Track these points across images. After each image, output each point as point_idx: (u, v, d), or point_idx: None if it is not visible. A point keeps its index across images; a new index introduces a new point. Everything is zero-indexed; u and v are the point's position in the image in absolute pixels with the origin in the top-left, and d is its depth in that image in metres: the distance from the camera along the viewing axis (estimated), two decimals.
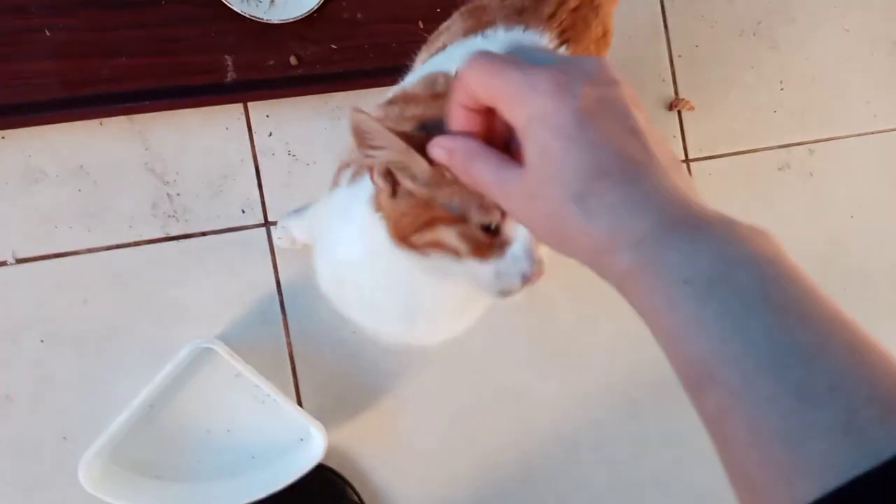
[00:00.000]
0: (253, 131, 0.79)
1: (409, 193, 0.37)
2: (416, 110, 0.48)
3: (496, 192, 0.29)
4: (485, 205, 0.36)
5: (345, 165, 0.52)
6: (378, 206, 0.41)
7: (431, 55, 0.60)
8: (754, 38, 0.95)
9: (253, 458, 0.73)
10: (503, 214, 0.37)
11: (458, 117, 0.31)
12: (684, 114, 0.92)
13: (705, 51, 0.93)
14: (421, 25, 0.80)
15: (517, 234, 0.38)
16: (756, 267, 0.23)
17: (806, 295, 0.22)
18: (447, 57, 0.56)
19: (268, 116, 0.79)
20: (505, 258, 0.38)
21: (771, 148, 0.94)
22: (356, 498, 0.76)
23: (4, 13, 0.73)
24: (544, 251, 0.39)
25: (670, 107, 0.91)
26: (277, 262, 0.78)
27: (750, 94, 0.94)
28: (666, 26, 0.92)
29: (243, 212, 0.78)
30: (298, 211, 0.75)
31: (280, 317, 0.77)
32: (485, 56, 0.28)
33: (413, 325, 0.48)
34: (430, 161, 0.34)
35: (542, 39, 0.55)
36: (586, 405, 0.86)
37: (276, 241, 0.77)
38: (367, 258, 0.45)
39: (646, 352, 0.86)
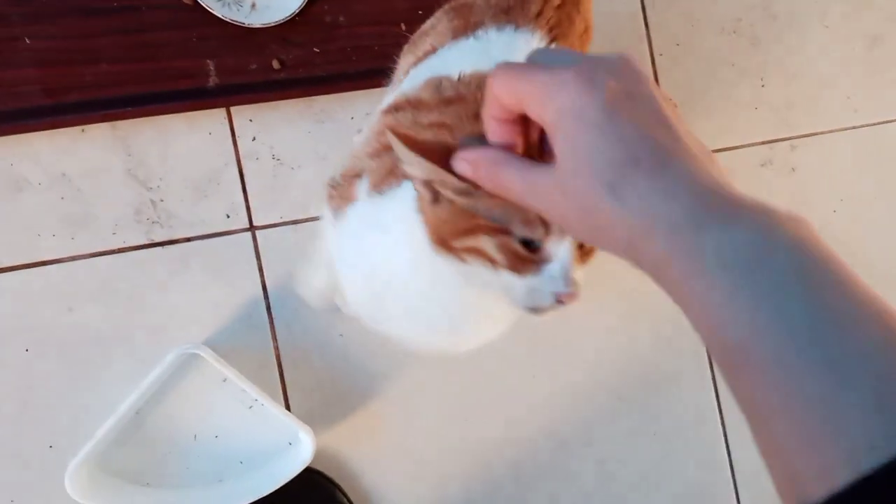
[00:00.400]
0: (236, 136, 0.79)
1: (451, 201, 0.37)
2: (431, 117, 0.48)
3: (526, 193, 0.29)
4: (528, 220, 0.36)
5: (354, 176, 0.50)
6: (420, 209, 0.40)
7: (420, 58, 0.59)
8: (734, 35, 0.96)
9: (241, 463, 0.73)
10: (547, 231, 0.36)
11: (492, 130, 0.31)
12: None
13: (686, 49, 0.94)
14: (403, 28, 0.80)
15: (557, 254, 0.37)
16: (793, 251, 0.23)
17: (842, 278, 0.22)
18: (442, 60, 0.56)
19: (251, 121, 0.79)
20: (541, 275, 0.37)
21: (753, 144, 0.95)
22: (346, 500, 0.76)
23: None
24: (581, 275, 0.38)
25: None
26: (263, 266, 0.78)
27: (731, 91, 0.95)
28: (647, 25, 0.93)
29: (228, 216, 0.77)
30: (305, 260, 0.73)
31: (267, 321, 0.77)
32: (508, 63, 0.29)
33: (459, 330, 0.48)
34: (463, 179, 0.34)
35: (534, 38, 0.55)
36: (575, 403, 0.86)
37: (312, 304, 0.74)
38: (412, 263, 0.43)
39: (635, 349, 0.87)
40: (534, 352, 0.85)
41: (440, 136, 0.46)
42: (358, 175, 0.50)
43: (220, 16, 0.75)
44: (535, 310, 0.39)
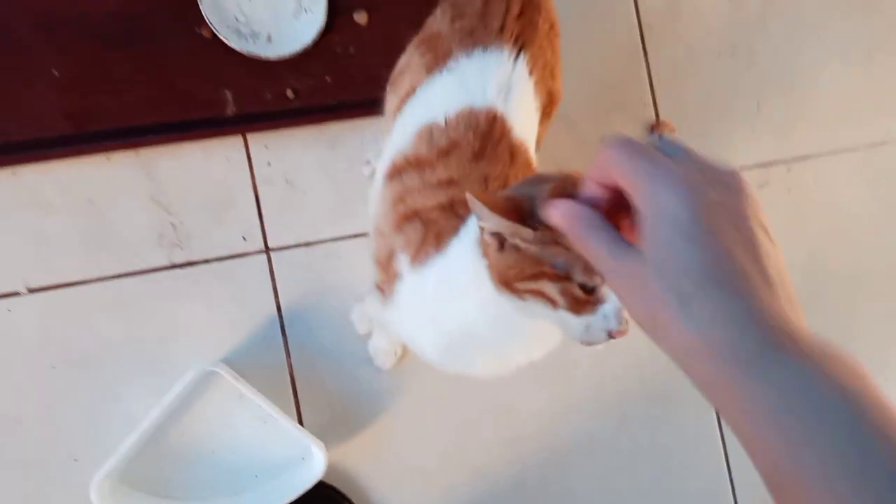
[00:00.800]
0: (252, 161, 0.82)
1: (516, 248, 0.41)
2: (436, 174, 0.52)
3: (605, 266, 0.30)
4: (588, 268, 0.39)
5: (388, 257, 0.54)
6: (484, 254, 0.44)
7: (402, 98, 0.62)
8: (731, 59, 0.99)
9: (256, 476, 0.76)
10: (602, 278, 0.40)
11: (589, 188, 0.33)
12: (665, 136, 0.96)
13: (683, 73, 0.97)
14: None
15: (611, 295, 0.41)
16: (845, 396, 0.24)
17: (891, 425, 0.24)
18: (424, 104, 0.58)
19: (266, 147, 0.83)
20: (596, 315, 0.41)
21: (750, 167, 0.98)
22: None
23: (13, 54, 0.77)
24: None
25: (651, 129, 0.95)
26: (278, 286, 0.81)
27: (728, 114, 0.98)
28: (645, 51, 0.96)
29: (244, 239, 0.81)
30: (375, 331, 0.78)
31: (281, 339, 0.80)
32: (626, 143, 0.30)
33: (528, 351, 0.52)
34: (534, 227, 0.38)
35: (502, 54, 0.57)
36: (577, 418, 0.88)
37: (383, 365, 0.80)
38: (479, 310, 0.47)
39: (635, 365, 0.89)
40: (536, 369, 0.87)
41: (454, 193, 0.51)
42: (391, 254, 0.53)
43: (237, 49, 0.79)
44: (589, 342, 0.43)
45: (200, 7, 0.79)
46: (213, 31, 0.79)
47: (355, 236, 0.83)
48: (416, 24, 0.67)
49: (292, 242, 0.82)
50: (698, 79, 0.98)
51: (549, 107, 0.63)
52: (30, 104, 0.77)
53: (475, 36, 0.58)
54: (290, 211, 0.82)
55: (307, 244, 0.82)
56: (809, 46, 1.01)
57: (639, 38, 0.96)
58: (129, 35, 0.80)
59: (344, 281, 0.81)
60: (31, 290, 0.75)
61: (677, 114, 0.95)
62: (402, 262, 0.52)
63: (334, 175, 0.84)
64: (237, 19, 0.81)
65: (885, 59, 1.04)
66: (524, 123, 0.57)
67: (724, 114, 0.98)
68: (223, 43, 0.79)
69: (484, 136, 0.54)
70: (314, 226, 0.82)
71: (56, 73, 0.78)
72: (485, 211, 0.39)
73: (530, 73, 0.59)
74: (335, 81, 0.83)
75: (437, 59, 0.59)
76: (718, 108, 0.98)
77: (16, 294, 0.75)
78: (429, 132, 0.54)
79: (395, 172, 0.56)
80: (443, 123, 0.54)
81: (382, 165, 0.60)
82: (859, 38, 1.03)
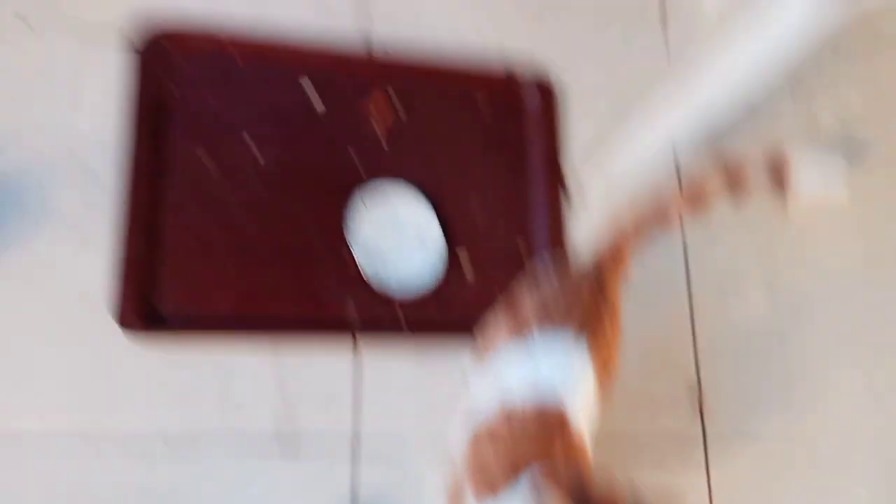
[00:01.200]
0: (359, 363, 1.01)
1: None
2: (504, 451, 0.64)
3: None
4: None
5: (457, 488, 0.66)
6: None
7: (487, 351, 0.75)
8: (765, 342, 1.15)
9: None
10: None
11: None
12: (703, 400, 1.10)
13: (726, 345, 1.13)
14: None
15: None
16: None
17: None
18: (502, 366, 0.71)
19: (372, 352, 1.01)
20: None
21: (777, 434, 1.09)
22: None
23: (208, 262, 1.01)
24: None
25: (690, 392, 1.10)
26: (357, 476, 0.94)
27: (759, 386, 1.12)
28: (693, 324, 1.14)
29: (338, 432, 0.96)
30: None
31: None
32: None
33: None
34: None
35: (568, 335, 0.69)
36: None
37: None
38: None
39: None
40: None
41: (513, 454, 0.64)
42: (461, 487, 0.65)
43: (372, 282, 1.02)
44: None
45: (351, 246, 1.03)
46: (355, 262, 1.02)
47: (432, 446, 0.95)
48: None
49: (377, 439, 0.97)
50: (739, 352, 1.14)
51: (605, 381, 0.74)
52: (209, 293, 1.00)
53: (548, 315, 0.72)
54: (382, 411, 0.98)
55: (390, 443, 0.97)
56: (835, 350, 1.17)
57: (688, 312, 1.15)
58: (291, 258, 1.03)
59: (414, 486, 0.94)
60: (166, 442, 0.92)
61: (716, 378, 1.10)
62: (469, 496, 0.63)
63: (425, 389, 1.00)
64: (377, 259, 1.04)
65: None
66: (580, 397, 0.68)
67: (757, 386, 1.12)
68: (359, 269, 1.02)
69: (542, 415, 0.65)
70: (400, 427, 0.98)
71: (234, 275, 1.01)
72: (552, 490, 0.54)
73: (590, 351, 0.71)
74: (440, 315, 1.04)
75: (517, 329, 0.73)
76: (751, 380, 1.13)
77: (152, 442, 0.91)
78: (508, 415, 0.66)
79: (476, 441, 0.67)
80: (520, 409, 0.66)
81: (467, 415, 0.70)
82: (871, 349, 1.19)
